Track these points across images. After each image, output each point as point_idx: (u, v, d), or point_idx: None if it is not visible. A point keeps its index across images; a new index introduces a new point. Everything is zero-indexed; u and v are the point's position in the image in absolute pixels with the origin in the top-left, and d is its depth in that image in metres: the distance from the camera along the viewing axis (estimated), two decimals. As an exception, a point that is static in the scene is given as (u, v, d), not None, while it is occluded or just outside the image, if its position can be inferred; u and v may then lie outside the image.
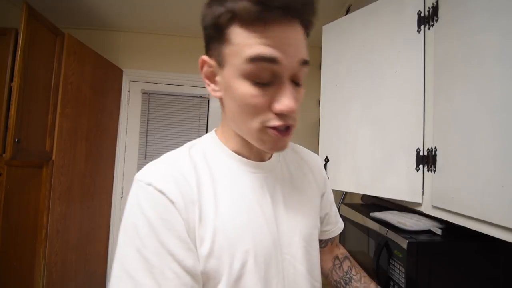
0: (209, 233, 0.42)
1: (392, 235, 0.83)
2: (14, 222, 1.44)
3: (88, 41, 1.96)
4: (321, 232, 0.65)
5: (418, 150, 0.87)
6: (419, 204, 0.87)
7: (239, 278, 0.43)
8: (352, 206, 1.24)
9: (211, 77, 0.46)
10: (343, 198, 1.77)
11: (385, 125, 1.01)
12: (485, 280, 0.76)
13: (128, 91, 2.41)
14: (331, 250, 0.72)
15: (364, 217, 1.04)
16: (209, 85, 0.46)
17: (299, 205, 0.54)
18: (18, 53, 1.36)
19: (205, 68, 0.45)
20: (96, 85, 2.03)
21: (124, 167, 2.38)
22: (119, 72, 2.35)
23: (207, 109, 2.45)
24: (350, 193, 1.73)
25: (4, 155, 1.35)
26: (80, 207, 1.93)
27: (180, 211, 0.40)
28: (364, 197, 1.39)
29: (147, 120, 2.40)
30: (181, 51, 2.40)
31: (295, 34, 0.39)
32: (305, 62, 0.40)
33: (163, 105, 2.41)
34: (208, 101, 2.45)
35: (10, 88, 1.41)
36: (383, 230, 0.89)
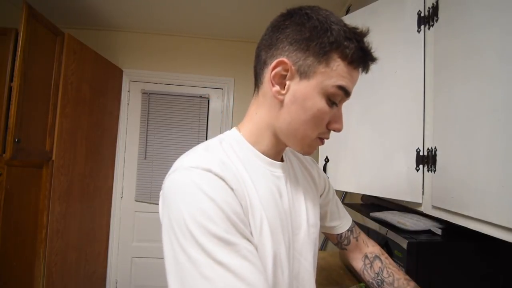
0: (258, 221, 0.44)
1: (392, 235, 0.83)
2: (14, 222, 1.44)
3: (88, 41, 1.96)
4: (329, 228, 0.70)
5: (418, 150, 0.87)
6: (419, 204, 0.87)
7: (278, 267, 0.46)
8: (352, 206, 1.24)
9: (279, 79, 0.47)
10: (343, 198, 1.77)
11: (385, 125, 1.01)
12: (485, 280, 0.76)
13: (128, 91, 2.41)
14: (358, 247, 0.71)
15: (364, 217, 1.04)
16: (274, 86, 0.47)
17: (304, 203, 0.57)
18: (18, 53, 1.36)
19: (279, 69, 0.46)
20: (96, 85, 2.03)
21: (124, 167, 2.38)
22: (119, 72, 2.35)
23: (207, 109, 2.45)
24: (350, 193, 1.73)
25: (4, 155, 1.35)
26: (80, 207, 1.93)
27: (238, 197, 0.42)
28: (364, 197, 1.38)
29: (147, 120, 2.39)
30: (181, 51, 2.39)
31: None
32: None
33: (163, 105, 2.41)
34: (208, 101, 2.45)
35: (10, 88, 1.41)
36: (383, 230, 0.89)
